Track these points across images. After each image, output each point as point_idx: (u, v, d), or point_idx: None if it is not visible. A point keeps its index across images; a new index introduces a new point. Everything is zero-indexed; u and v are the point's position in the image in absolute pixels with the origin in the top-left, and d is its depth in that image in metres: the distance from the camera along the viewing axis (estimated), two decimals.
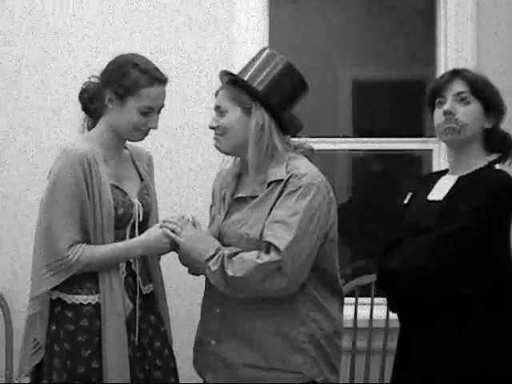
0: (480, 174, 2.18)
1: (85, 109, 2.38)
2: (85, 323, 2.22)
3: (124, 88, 2.25)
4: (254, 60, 2.28)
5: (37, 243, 2.26)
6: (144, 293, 2.34)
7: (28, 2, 3.22)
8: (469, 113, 2.19)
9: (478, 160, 2.22)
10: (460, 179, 2.22)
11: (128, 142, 2.40)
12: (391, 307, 2.35)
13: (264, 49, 2.34)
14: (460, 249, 2.07)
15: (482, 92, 2.20)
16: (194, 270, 2.25)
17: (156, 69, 2.29)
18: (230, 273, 2.10)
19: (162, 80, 2.28)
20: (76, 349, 2.21)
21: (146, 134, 2.33)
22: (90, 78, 2.36)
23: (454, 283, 2.10)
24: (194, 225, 2.29)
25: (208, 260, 2.15)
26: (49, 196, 2.23)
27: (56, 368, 2.22)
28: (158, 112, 2.31)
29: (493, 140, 2.24)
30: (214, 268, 2.13)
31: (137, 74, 2.25)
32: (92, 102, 2.35)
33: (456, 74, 2.25)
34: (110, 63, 2.32)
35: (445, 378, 2.11)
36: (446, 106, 2.21)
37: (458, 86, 2.22)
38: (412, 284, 2.14)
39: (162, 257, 2.41)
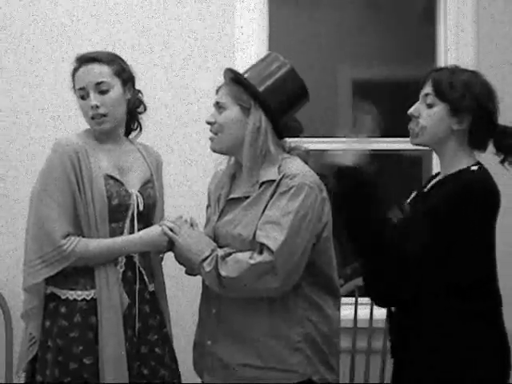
0: (455, 174, 2.14)
1: None
2: (78, 319, 2.22)
3: (72, 83, 2.34)
4: (258, 62, 2.31)
5: (29, 235, 2.26)
6: (149, 290, 2.35)
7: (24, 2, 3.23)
8: (430, 116, 2.14)
9: (462, 160, 2.16)
10: (439, 181, 2.20)
11: (138, 140, 2.46)
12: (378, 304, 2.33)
13: (270, 53, 2.35)
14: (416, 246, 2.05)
15: (445, 94, 2.12)
16: (190, 271, 2.26)
17: (92, 52, 2.33)
18: (223, 273, 2.11)
19: (87, 59, 2.30)
20: (68, 345, 2.21)
21: (99, 118, 2.27)
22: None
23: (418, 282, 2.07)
24: (192, 225, 2.30)
25: (203, 261, 2.16)
26: (40, 189, 2.23)
27: (49, 364, 2.22)
28: (102, 91, 2.28)
29: (503, 139, 2.16)
30: (208, 268, 2.14)
31: (73, 65, 2.33)
32: None
33: (430, 73, 2.19)
34: None
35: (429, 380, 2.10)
36: (410, 109, 2.18)
37: (426, 88, 2.17)
38: (382, 284, 2.13)
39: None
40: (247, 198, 2.22)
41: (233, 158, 2.34)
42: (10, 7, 3.22)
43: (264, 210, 2.16)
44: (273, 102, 2.20)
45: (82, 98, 2.29)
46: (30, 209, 2.28)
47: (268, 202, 2.16)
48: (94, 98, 2.26)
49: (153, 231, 2.28)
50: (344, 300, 2.31)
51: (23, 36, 3.22)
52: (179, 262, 2.27)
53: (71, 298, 2.23)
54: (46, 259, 2.20)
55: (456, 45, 3.19)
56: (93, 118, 2.28)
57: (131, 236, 2.28)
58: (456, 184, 2.10)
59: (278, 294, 2.15)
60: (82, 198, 2.22)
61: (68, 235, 2.20)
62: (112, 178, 2.28)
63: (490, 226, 2.13)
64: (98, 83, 2.27)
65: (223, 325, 2.23)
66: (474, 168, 2.14)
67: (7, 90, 3.22)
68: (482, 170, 2.14)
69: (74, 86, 2.33)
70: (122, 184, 2.30)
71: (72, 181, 2.21)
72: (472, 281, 2.09)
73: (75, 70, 2.32)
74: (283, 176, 2.17)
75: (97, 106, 2.26)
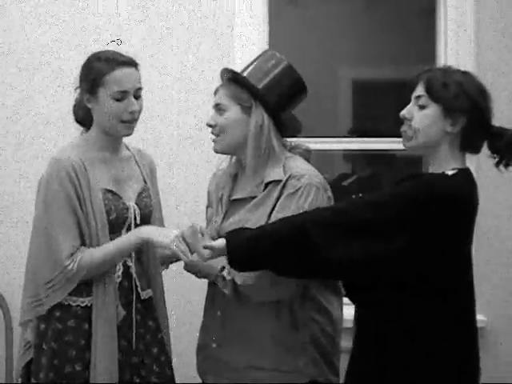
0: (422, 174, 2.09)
1: (77, 120, 2.38)
2: (72, 324, 2.21)
3: (91, 81, 2.24)
4: (254, 60, 2.29)
5: (34, 255, 2.25)
6: (142, 298, 2.32)
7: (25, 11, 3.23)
8: (423, 118, 2.07)
9: (450, 164, 2.07)
10: (403, 178, 2.12)
11: (129, 143, 2.40)
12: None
13: (266, 50, 2.35)
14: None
15: (438, 95, 2.05)
16: (203, 277, 2.22)
17: (119, 54, 2.27)
18: (238, 281, 2.10)
19: (125, 62, 2.25)
20: (63, 348, 2.20)
21: (132, 123, 2.26)
22: (75, 89, 2.34)
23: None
24: (202, 234, 2.18)
25: (221, 271, 2.13)
26: (41, 208, 2.22)
27: (43, 367, 2.21)
28: (137, 96, 2.26)
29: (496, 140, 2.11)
30: (228, 277, 2.12)
31: (99, 64, 2.24)
32: (80, 111, 2.35)
33: (422, 74, 2.12)
34: (81, 66, 2.31)
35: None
36: (402, 111, 2.11)
37: (418, 89, 2.10)
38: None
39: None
40: (252, 198, 2.21)
41: (234, 158, 2.33)
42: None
43: (271, 211, 2.14)
44: (272, 98, 2.19)
45: (118, 100, 2.23)
46: (34, 228, 2.26)
47: (275, 202, 2.15)
48: (136, 103, 2.25)
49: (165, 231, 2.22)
50: (344, 300, 2.30)
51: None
52: (187, 270, 2.23)
53: (66, 302, 2.22)
54: (56, 282, 2.19)
55: (456, 45, 3.19)
56: (119, 122, 2.24)
57: (139, 228, 2.24)
58: (413, 182, 2.03)
59: (291, 296, 2.14)
60: (84, 213, 2.20)
61: (74, 252, 2.18)
62: (110, 191, 2.26)
63: (453, 233, 2.01)
64: (138, 89, 2.26)
65: (228, 327, 2.21)
66: (450, 173, 2.04)
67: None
68: (459, 176, 2.04)
69: (99, 85, 2.22)
70: (120, 197, 2.28)
71: (72, 197, 2.19)
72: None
73: (107, 71, 2.22)
74: (289, 176, 2.15)
75: (134, 111, 2.25)
